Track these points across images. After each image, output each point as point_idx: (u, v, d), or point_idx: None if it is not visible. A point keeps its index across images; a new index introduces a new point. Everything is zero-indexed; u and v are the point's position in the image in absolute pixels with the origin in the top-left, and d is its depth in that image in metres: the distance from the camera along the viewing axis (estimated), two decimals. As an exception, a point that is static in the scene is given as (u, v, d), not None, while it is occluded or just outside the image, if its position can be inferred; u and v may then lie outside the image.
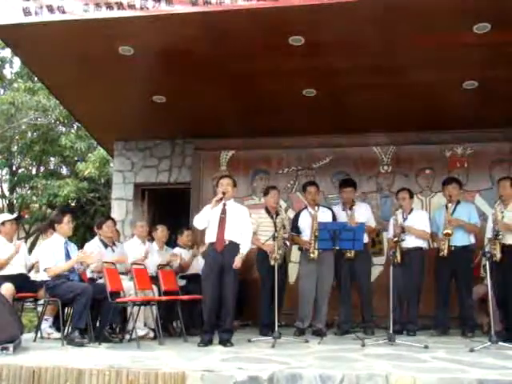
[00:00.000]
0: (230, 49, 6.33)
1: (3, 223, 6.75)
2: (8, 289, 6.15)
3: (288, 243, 7.20)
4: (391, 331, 5.97)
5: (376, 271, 7.99)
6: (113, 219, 7.40)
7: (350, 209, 7.14)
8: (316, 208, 6.98)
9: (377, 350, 5.57)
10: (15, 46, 6.78)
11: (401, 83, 6.97)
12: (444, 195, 7.25)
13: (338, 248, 6.51)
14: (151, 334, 6.56)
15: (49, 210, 17.15)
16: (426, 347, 5.70)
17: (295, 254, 7.86)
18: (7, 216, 7.15)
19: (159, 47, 6.39)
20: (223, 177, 6.43)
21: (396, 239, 6.84)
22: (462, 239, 6.89)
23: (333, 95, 7.45)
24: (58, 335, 6.50)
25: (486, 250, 6.17)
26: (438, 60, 6.42)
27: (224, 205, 6.20)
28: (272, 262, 6.58)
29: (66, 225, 6.43)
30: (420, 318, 7.06)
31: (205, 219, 6.13)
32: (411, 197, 7.28)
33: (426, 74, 6.73)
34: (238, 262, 6.00)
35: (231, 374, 4.29)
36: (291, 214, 8.08)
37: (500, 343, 5.66)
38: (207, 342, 5.91)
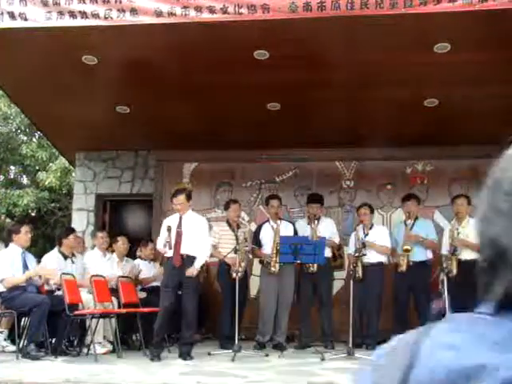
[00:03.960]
0: (195, 61, 6.34)
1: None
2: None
3: (250, 256, 7.19)
4: (350, 345, 6.00)
5: (337, 285, 8.03)
6: (74, 230, 7.30)
7: (315, 222, 7.17)
8: (278, 222, 7.01)
9: (336, 364, 5.61)
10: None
11: (364, 99, 7.09)
12: (403, 211, 7.35)
13: (299, 262, 6.53)
14: (109, 347, 6.46)
15: (8, 220, 16.82)
16: (385, 361, 5.74)
17: (256, 267, 7.86)
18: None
19: (123, 58, 6.35)
20: (175, 194, 6.35)
21: (357, 254, 6.85)
22: (419, 255, 7.00)
23: (297, 109, 7.52)
24: (13, 348, 6.36)
25: (444, 265, 6.28)
26: (400, 77, 6.53)
27: (180, 218, 6.17)
28: (234, 275, 6.56)
29: (24, 235, 6.33)
30: (379, 332, 7.11)
31: (164, 241, 6.10)
32: (372, 212, 7.37)
33: (388, 91, 6.85)
34: (192, 271, 5.98)
35: (190, 388, 4.26)
36: (254, 226, 8.08)
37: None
38: (159, 356, 5.84)
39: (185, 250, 6.05)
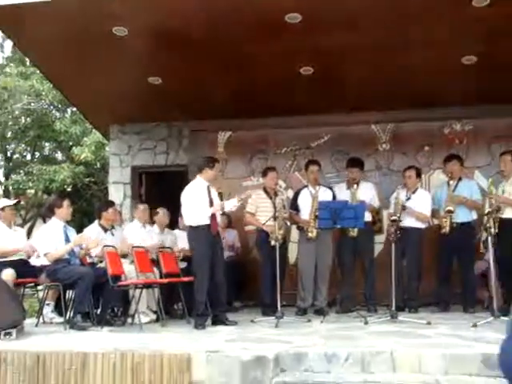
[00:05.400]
0: (225, 27, 6.24)
1: (3, 209, 6.70)
2: (8, 274, 6.11)
3: (288, 223, 7.17)
4: (393, 308, 5.96)
5: (376, 249, 7.96)
6: (113, 203, 7.36)
7: (355, 187, 7.09)
8: (317, 187, 6.96)
9: (380, 328, 5.57)
10: (7, 28, 6.67)
11: (400, 59, 6.90)
12: (445, 172, 7.22)
13: (339, 227, 6.49)
14: (153, 317, 6.54)
15: (45, 196, 17.11)
16: (429, 323, 5.70)
17: (294, 233, 7.83)
18: (7, 202, 7.08)
19: (154, 27, 6.30)
20: (218, 161, 6.40)
21: (394, 218, 6.55)
22: (463, 216, 6.88)
23: (330, 73, 7.37)
24: (60, 320, 6.49)
25: (488, 225, 6.15)
26: (436, 35, 6.34)
27: (209, 189, 6.19)
28: (273, 243, 6.55)
29: (66, 209, 6.40)
30: (421, 294, 7.06)
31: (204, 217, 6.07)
32: (418, 176, 7.20)
33: (424, 50, 6.66)
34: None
35: (237, 354, 4.27)
36: (290, 193, 8.05)
37: (502, 318, 5.66)
38: (204, 324, 5.88)
39: (218, 218, 6.12)
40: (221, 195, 6.17)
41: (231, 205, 6.35)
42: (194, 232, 6.07)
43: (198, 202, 6.03)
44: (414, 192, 7.09)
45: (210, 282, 5.92)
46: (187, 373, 4.24)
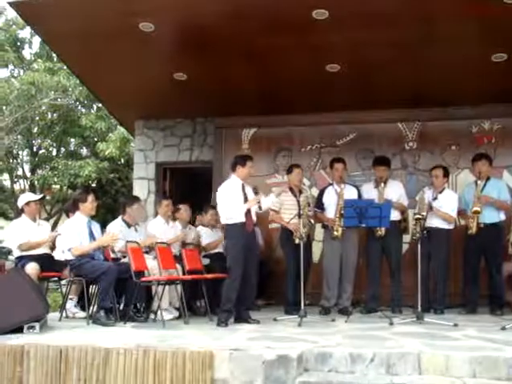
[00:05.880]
0: (252, 23, 6.21)
1: (28, 203, 6.73)
2: (33, 268, 6.16)
3: (312, 221, 7.10)
4: (419, 309, 5.87)
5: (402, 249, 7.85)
6: (139, 199, 7.36)
7: (383, 184, 7.00)
8: (342, 185, 6.88)
9: (406, 329, 5.48)
10: (35, 23, 6.72)
11: (427, 57, 6.80)
12: (473, 172, 7.10)
13: (364, 226, 6.40)
14: (176, 313, 6.53)
15: (70, 191, 17.25)
16: (456, 325, 5.59)
17: (319, 232, 7.76)
18: (32, 196, 7.12)
19: (180, 23, 6.29)
20: (251, 158, 6.32)
21: (418, 217, 6.29)
22: (491, 216, 6.75)
23: (357, 70, 7.28)
24: (82, 314, 6.52)
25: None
26: (466, 33, 6.23)
27: (243, 187, 6.14)
28: (297, 241, 6.50)
29: (90, 204, 6.40)
30: (447, 296, 6.94)
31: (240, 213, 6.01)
32: (445, 175, 7.04)
33: (453, 48, 6.55)
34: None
35: (260, 352, 4.23)
36: (314, 191, 7.98)
37: (531, 321, 5.55)
38: (227, 322, 5.84)
39: (254, 217, 6.07)
40: (256, 190, 6.11)
41: (269, 201, 6.31)
42: (229, 230, 6.05)
43: (233, 199, 5.99)
44: (440, 192, 6.94)
45: (242, 280, 5.88)
46: (209, 370, 4.20)
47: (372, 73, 7.33)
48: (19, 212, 7.04)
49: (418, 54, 6.76)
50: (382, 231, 6.80)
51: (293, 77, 7.47)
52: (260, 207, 6.08)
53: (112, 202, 16.68)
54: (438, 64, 6.95)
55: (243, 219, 5.94)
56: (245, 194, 6.08)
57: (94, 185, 16.48)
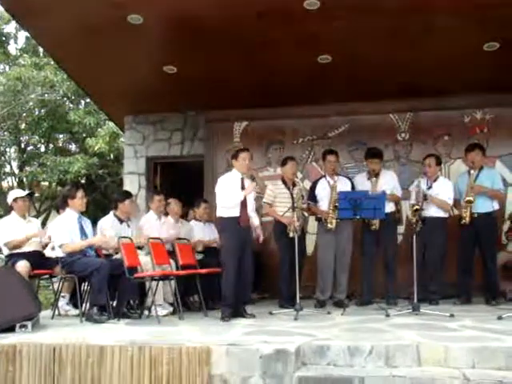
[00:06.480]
0: (243, 15, 6.13)
1: (15, 200, 6.64)
2: (23, 266, 6.05)
3: (306, 214, 7.04)
4: (415, 300, 5.84)
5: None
6: (131, 194, 7.27)
7: (376, 177, 6.94)
8: (335, 177, 6.83)
9: (402, 320, 5.46)
10: (21, 17, 6.61)
11: (419, 47, 6.78)
12: (465, 162, 7.06)
13: (358, 217, 6.36)
14: (170, 309, 6.46)
15: (59, 188, 17.10)
16: (452, 316, 5.58)
17: (311, 224, 7.71)
18: (19, 192, 7.01)
19: (169, 15, 6.20)
20: (245, 150, 6.22)
21: (416, 207, 6.39)
22: (484, 206, 6.72)
23: (348, 61, 7.23)
24: (75, 312, 6.43)
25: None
26: (457, 21, 6.19)
27: (242, 180, 6.07)
28: (291, 234, 6.45)
29: (80, 200, 6.30)
30: (441, 286, 6.91)
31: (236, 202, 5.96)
32: (438, 164, 7.04)
33: (445, 37, 6.52)
34: (260, 235, 6.11)
35: (257, 347, 4.18)
36: (307, 184, 7.93)
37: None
38: (231, 316, 5.79)
39: (250, 211, 6.03)
40: (253, 177, 6.08)
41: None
42: (223, 223, 6.01)
43: (229, 192, 5.94)
44: (435, 180, 6.92)
45: (238, 275, 5.83)
46: (207, 366, 4.15)
47: (364, 64, 7.27)
48: (9, 210, 6.93)
49: (410, 45, 6.73)
50: (376, 225, 6.75)
51: (284, 68, 7.41)
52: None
53: (101, 197, 16.56)
54: (430, 54, 6.93)
55: (238, 213, 5.89)
56: (243, 186, 6.02)
57: (83, 181, 16.35)
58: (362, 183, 7.03)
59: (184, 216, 7.91)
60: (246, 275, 5.93)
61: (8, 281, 5.39)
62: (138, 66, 7.48)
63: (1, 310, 4.99)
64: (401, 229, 7.93)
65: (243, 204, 5.94)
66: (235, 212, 5.90)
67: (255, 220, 6.22)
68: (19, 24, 7.58)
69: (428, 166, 6.96)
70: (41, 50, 15.42)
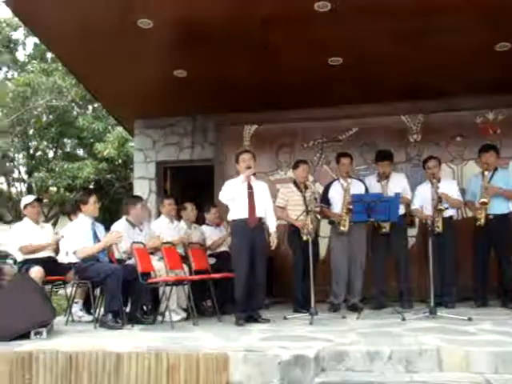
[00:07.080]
0: (253, 18, 6.08)
1: (25, 207, 6.67)
2: (37, 272, 6.04)
3: (319, 217, 6.99)
4: (432, 304, 5.77)
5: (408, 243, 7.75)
6: (142, 199, 7.23)
7: (386, 179, 6.89)
8: (348, 180, 6.78)
9: (419, 324, 5.40)
10: (31, 22, 6.60)
11: (429, 47, 6.70)
12: (479, 163, 7.00)
13: (372, 220, 6.30)
14: (184, 314, 6.42)
15: (67, 194, 17.10)
16: (470, 319, 5.50)
17: (324, 228, 7.65)
18: (28, 199, 7.02)
19: (179, 19, 6.15)
20: (244, 152, 6.19)
21: (440, 207, 6.31)
22: (499, 207, 6.66)
23: (359, 63, 7.17)
24: (88, 318, 6.41)
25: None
26: (469, 22, 6.13)
27: (249, 180, 6.03)
28: (305, 238, 6.40)
29: (92, 205, 6.28)
30: (457, 289, 6.84)
31: (231, 195, 5.95)
32: (439, 165, 6.99)
33: (457, 38, 6.45)
34: (275, 242, 5.97)
35: (275, 353, 4.12)
36: (318, 187, 7.87)
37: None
38: (244, 321, 5.75)
39: (258, 212, 5.95)
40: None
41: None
42: (232, 226, 6.05)
43: (234, 196, 5.93)
44: (438, 182, 6.86)
45: (249, 277, 5.78)
46: (224, 373, 4.10)
47: (375, 65, 7.21)
48: (21, 216, 6.94)
49: (421, 46, 6.66)
50: (386, 228, 6.70)
51: (294, 71, 7.36)
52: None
53: (109, 203, 16.53)
54: (441, 55, 6.86)
55: (245, 215, 5.88)
56: (250, 189, 5.98)
57: (91, 186, 16.34)
58: (373, 185, 6.99)
59: (198, 221, 7.87)
60: (257, 278, 5.88)
61: (23, 287, 5.36)
62: (147, 70, 7.44)
63: (16, 317, 4.96)
64: (413, 231, 7.84)
65: (251, 204, 5.92)
66: (243, 214, 5.89)
67: (271, 226, 6.12)
68: (29, 29, 7.57)
69: (434, 168, 6.85)
70: (49, 55, 15.46)
